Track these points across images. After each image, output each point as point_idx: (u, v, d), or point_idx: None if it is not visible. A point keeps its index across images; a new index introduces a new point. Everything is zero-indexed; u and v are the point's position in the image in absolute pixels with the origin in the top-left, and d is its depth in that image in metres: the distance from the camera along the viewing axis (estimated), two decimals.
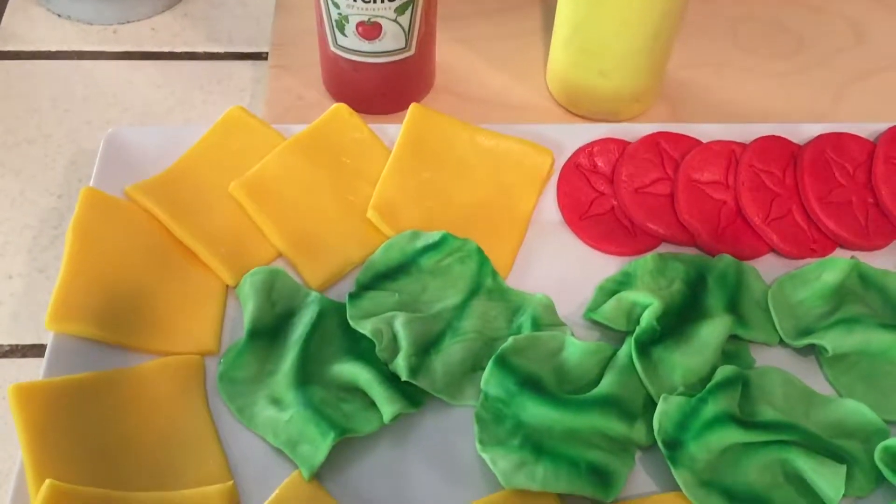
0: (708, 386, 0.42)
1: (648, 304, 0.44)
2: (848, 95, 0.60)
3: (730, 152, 0.51)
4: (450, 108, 0.58)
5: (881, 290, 0.47)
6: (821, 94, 0.60)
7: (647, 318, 0.44)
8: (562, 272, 0.49)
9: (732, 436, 0.40)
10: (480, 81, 0.60)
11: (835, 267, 0.47)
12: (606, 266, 0.49)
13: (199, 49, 0.63)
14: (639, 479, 0.42)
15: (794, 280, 0.47)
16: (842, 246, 0.49)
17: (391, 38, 0.52)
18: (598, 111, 0.56)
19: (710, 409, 0.41)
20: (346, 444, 0.42)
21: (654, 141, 0.51)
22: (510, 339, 0.43)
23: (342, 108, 0.52)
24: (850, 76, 0.61)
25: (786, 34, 0.63)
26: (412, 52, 0.53)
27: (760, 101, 0.59)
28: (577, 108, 0.57)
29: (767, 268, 0.49)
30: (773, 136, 0.51)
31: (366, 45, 0.52)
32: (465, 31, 0.62)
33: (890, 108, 0.59)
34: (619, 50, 0.52)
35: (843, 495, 0.40)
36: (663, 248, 0.50)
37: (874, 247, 0.49)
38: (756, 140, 0.51)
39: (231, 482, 0.40)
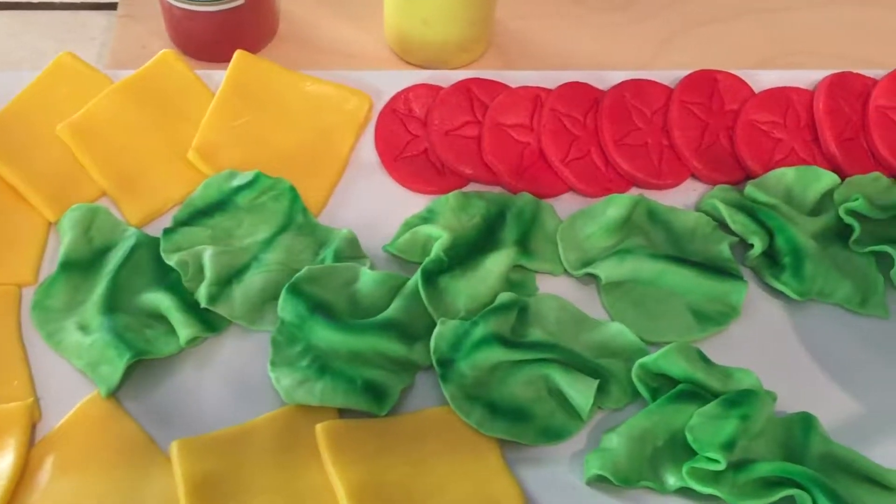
0: (483, 311, 0.45)
1: (439, 236, 0.48)
2: (673, 46, 0.63)
3: (535, 97, 0.54)
4: (290, 56, 0.61)
5: (666, 225, 0.51)
6: (647, 45, 0.63)
7: (435, 249, 0.47)
8: (374, 210, 0.52)
9: (497, 354, 0.44)
10: (323, 31, 0.63)
11: (618, 203, 0.50)
12: (417, 204, 0.52)
13: None
14: (419, 396, 0.45)
15: (585, 216, 0.51)
16: (637, 185, 0.53)
17: None
18: (428, 59, 0.59)
19: (480, 330, 0.44)
20: (151, 368, 0.45)
21: (465, 87, 0.54)
22: (304, 269, 0.46)
23: (168, 53, 0.54)
24: (678, 28, 0.64)
25: None
26: (242, 0, 0.56)
27: (590, 51, 0.63)
28: (408, 56, 0.60)
29: (567, 206, 0.52)
30: (578, 82, 0.55)
31: None
32: None
33: (710, 57, 0.62)
34: None
35: (600, 407, 0.45)
36: (472, 188, 0.53)
37: (666, 186, 0.53)
38: (560, 86, 0.54)
39: (31, 399, 0.43)
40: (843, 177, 0.53)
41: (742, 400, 0.42)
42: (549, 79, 0.55)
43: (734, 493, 0.39)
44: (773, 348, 0.47)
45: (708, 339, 0.47)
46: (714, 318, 0.47)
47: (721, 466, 0.39)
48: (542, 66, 0.61)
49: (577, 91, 0.54)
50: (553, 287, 0.49)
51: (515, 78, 0.55)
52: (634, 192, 0.53)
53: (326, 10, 0.63)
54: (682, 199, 0.53)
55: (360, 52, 0.61)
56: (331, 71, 0.56)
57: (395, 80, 0.56)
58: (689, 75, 0.55)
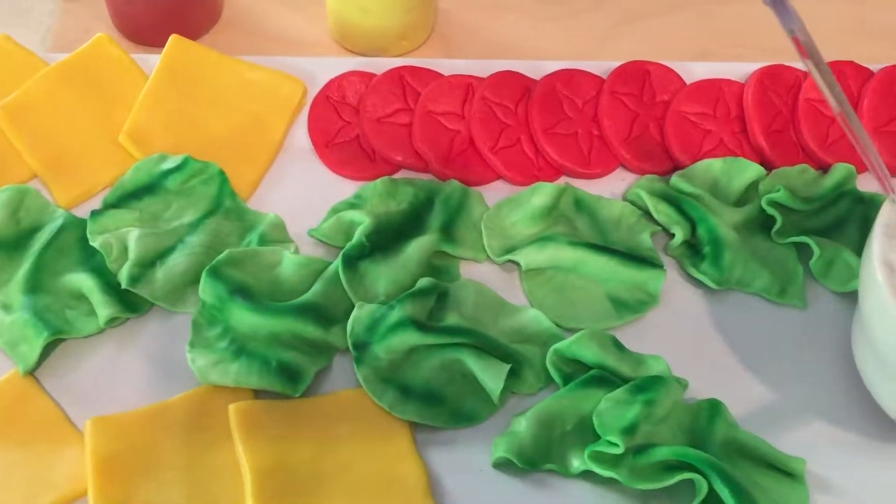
0: (401, 295, 0.46)
1: (362, 222, 0.48)
2: (613, 38, 0.63)
3: (467, 86, 0.54)
4: (233, 42, 0.61)
5: (592, 214, 0.51)
6: (588, 37, 0.63)
7: (357, 234, 0.48)
8: (304, 196, 0.52)
9: (412, 338, 0.44)
10: (267, 17, 0.63)
11: (543, 191, 0.51)
12: (347, 191, 0.52)
13: None
14: (337, 378, 0.46)
15: (511, 203, 0.51)
16: (566, 174, 0.54)
17: None
18: (367, 47, 0.60)
19: (396, 314, 0.45)
20: (74, 349, 0.46)
21: (398, 75, 0.55)
22: (225, 252, 0.47)
23: (103, 37, 0.54)
24: (619, 20, 0.64)
25: None
26: None
27: (532, 42, 0.63)
28: (349, 43, 0.60)
29: (497, 194, 0.53)
30: (510, 71, 0.55)
31: None
32: None
33: (649, 49, 0.62)
34: None
35: (514, 392, 0.45)
36: (403, 175, 0.53)
37: (595, 175, 0.53)
38: (492, 75, 0.55)
39: None
40: (771, 169, 0.53)
41: (648, 386, 0.43)
42: (483, 68, 0.56)
43: (632, 476, 0.40)
44: (690, 336, 0.48)
45: (626, 326, 0.48)
46: (632, 305, 0.48)
47: (619, 450, 0.40)
48: (483, 56, 0.61)
49: (509, 80, 0.55)
50: (477, 273, 0.50)
51: (449, 66, 0.56)
52: (564, 180, 0.53)
53: None
54: (611, 188, 0.53)
55: (303, 40, 0.62)
56: (268, 57, 0.56)
57: (331, 66, 0.56)
58: (621, 66, 0.56)
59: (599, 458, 0.41)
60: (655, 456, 0.40)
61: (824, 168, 0.54)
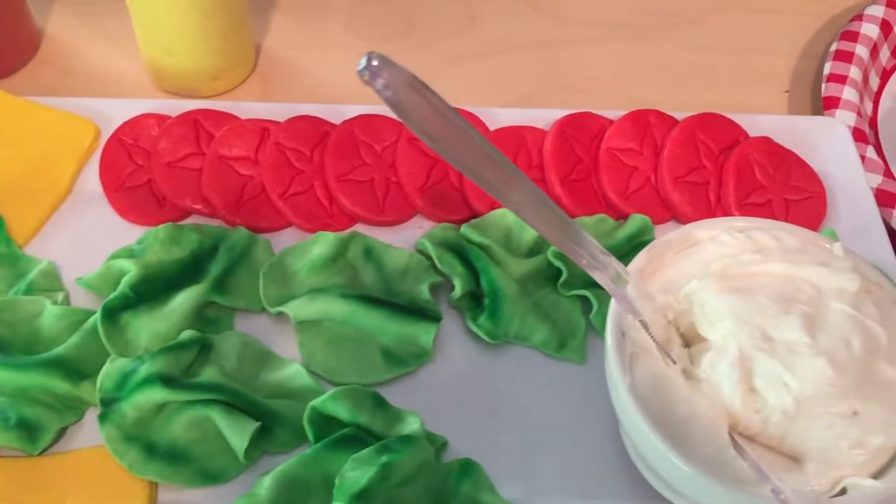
0: (154, 350, 0.45)
1: (130, 270, 0.47)
2: (437, 80, 0.62)
3: (263, 130, 0.54)
4: (46, 80, 0.60)
5: (378, 264, 0.51)
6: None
7: (122, 284, 0.47)
8: (89, 242, 0.51)
9: (159, 395, 0.43)
10: (85, 55, 0.62)
11: (324, 241, 0.50)
12: (134, 237, 0.51)
13: None
14: (89, 434, 0.44)
15: (295, 252, 0.50)
16: (361, 221, 0.53)
17: None
18: (180, 87, 0.59)
19: (145, 369, 0.44)
20: None
21: (192, 118, 0.54)
22: None
23: None
24: (446, 62, 0.64)
25: (399, 16, 0.66)
26: None
27: (354, 83, 0.62)
28: (161, 83, 0.59)
29: (290, 241, 0.51)
30: (308, 116, 0.54)
31: None
32: (83, 4, 0.64)
33: (472, 92, 0.62)
34: (173, 28, 0.55)
35: (267, 451, 0.44)
36: (196, 220, 0.52)
37: (389, 223, 0.53)
38: (289, 119, 0.54)
39: None
40: (572, 217, 0.53)
41: (394, 446, 0.42)
42: (285, 111, 0.55)
43: None
44: (462, 392, 0.47)
45: (398, 380, 0.47)
46: (404, 359, 0.47)
47: None
48: (303, 97, 0.60)
49: (306, 124, 0.54)
50: (254, 325, 0.49)
51: (248, 110, 0.55)
52: (360, 227, 0.53)
53: (90, 34, 0.63)
54: (408, 236, 0.53)
55: (120, 79, 0.61)
56: (65, 98, 0.55)
57: (129, 108, 0.55)
58: None
59: None
60: None
61: (625, 218, 0.53)
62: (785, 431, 0.37)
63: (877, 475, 0.37)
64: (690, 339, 0.41)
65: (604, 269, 0.39)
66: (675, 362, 0.39)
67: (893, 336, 0.39)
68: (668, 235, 0.43)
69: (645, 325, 0.39)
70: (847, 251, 0.42)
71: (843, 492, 0.37)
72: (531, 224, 0.37)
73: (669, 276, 0.42)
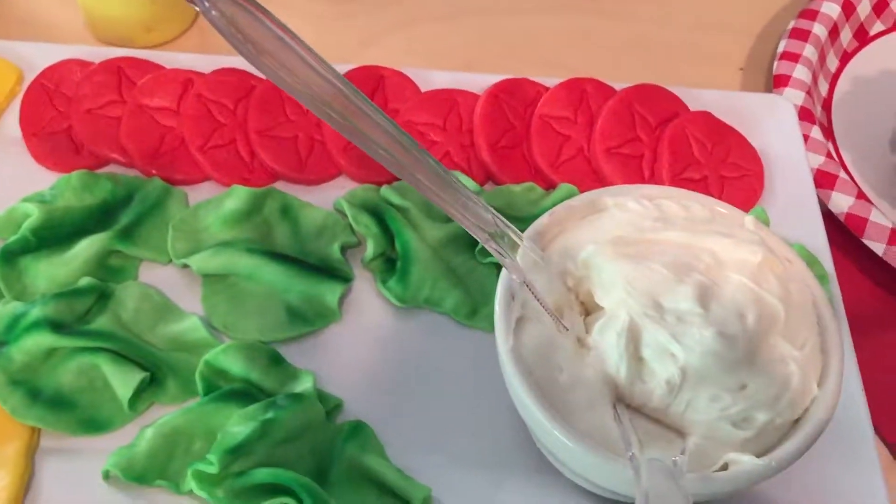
0: (46, 294, 0.44)
1: (32, 215, 0.46)
2: (379, 42, 0.62)
3: (187, 81, 0.52)
4: None
5: (294, 222, 0.49)
6: (354, 39, 0.62)
7: (23, 228, 0.46)
8: (3, 185, 0.50)
9: (47, 340, 0.42)
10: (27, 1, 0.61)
11: (238, 195, 0.49)
12: (49, 184, 0.50)
13: None
14: None
15: (209, 206, 0.49)
16: (282, 179, 0.51)
17: None
18: (114, 37, 0.58)
19: (35, 314, 0.43)
20: None
21: (115, 65, 0.53)
22: None
23: None
24: (390, 24, 0.63)
25: None
26: None
27: None
28: (97, 33, 0.59)
29: (208, 195, 0.50)
30: (234, 68, 0.53)
31: None
32: None
33: (414, 56, 0.61)
34: None
35: (155, 402, 0.43)
36: (113, 170, 0.51)
37: (311, 181, 0.51)
38: (214, 71, 0.53)
39: None
40: (499, 184, 0.52)
41: (281, 403, 0.40)
42: (209, 63, 0.54)
43: (227, 499, 0.38)
44: (366, 354, 0.46)
45: (303, 339, 0.46)
46: (309, 318, 0.46)
47: (213, 470, 0.38)
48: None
49: (232, 77, 0.53)
50: (160, 276, 0.47)
51: (173, 60, 0.54)
52: (280, 185, 0.51)
53: None
54: (332, 196, 0.51)
55: (55, 26, 0.60)
56: None
57: (52, 53, 0.54)
58: (352, 70, 0.54)
59: (200, 476, 0.38)
60: (255, 478, 0.38)
61: (555, 188, 0.52)
62: (669, 403, 0.36)
63: (761, 456, 0.35)
64: (591, 308, 0.40)
65: (491, 229, 0.37)
66: (567, 329, 0.38)
67: (793, 313, 0.38)
68: (573, 200, 0.42)
69: (532, 289, 0.38)
70: (758, 225, 0.41)
71: (725, 468, 0.35)
72: (399, 175, 0.35)
73: (571, 242, 0.41)
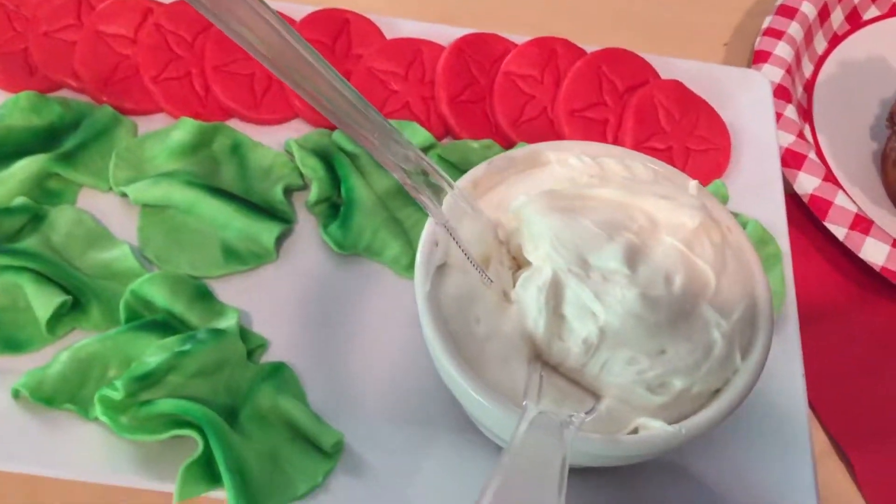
0: None
1: None
2: None
3: (146, 10, 0.51)
4: None
5: (243, 160, 0.48)
6: None
7: None
8: None
9: None
10: None
11: (185, 127, 0.48)
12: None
13: None
14: None
15: (156, 137, 0.48)
16: (235, 116, 0.50)
17: None
18: None
19: None
20: None
21: None
22: None
23: None
24: None
25: None
26: None
27: None
28: None
29: (160, 126, 0.50)
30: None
31: None
32: None
33: (403, 4, 0.59)
34: None
35: (77, 327, 0.42)
36: (66, 94, 0.50)
37: (264, 121, 0.50)
38: (174, 2, 0.52)
39: None
40: (458, 139, 0.50)
41: (199, 337, 0.40)
42: None
43: (130, 427, 0.37)
44: (300, 299, 0.45)
45: (236, 276, 0.45)
46: (243, 256, 0.45)
47: (118, 396, 0.37)
48: None
49: (185, 9, 0.51)
50: (99, 203, 0.46)
51: None
52: (235, 123, 0.50)
53: None
54: (286, 138, 0.50)
55: None
56: None
57: None
58: (316, 11, 0.52)
59: (105, 402, 0.38)
60: (159, 408, 0.37)
61: (514, 147, 0.50)
62: (585, 363, 0.35)
63: (675, 424, 0.34)
64: (522, 263, 0.39)
65: (410, 168, 0.36)
66: (491, 281, 0.37)
67: (725, 281, 0.36)
68: (515, 151, 0.41)
69: (454, 235, 0.36)
70: (701, 190, 0.39)
71: (635, 432, 0.34)
72: (317, 107, 0.33)
73: (507, 194, 0.39)
